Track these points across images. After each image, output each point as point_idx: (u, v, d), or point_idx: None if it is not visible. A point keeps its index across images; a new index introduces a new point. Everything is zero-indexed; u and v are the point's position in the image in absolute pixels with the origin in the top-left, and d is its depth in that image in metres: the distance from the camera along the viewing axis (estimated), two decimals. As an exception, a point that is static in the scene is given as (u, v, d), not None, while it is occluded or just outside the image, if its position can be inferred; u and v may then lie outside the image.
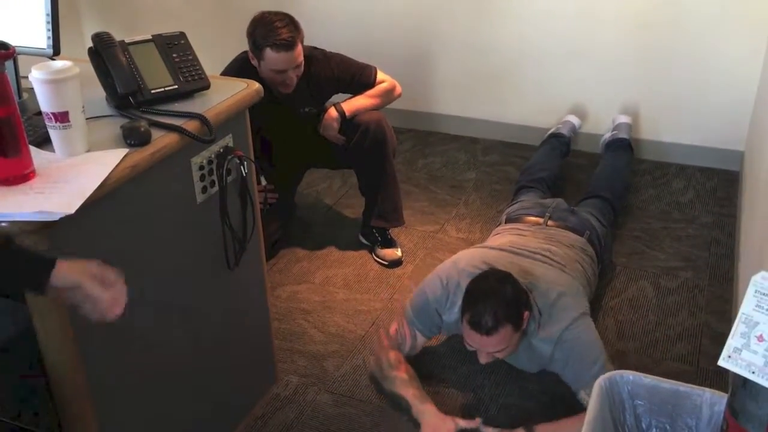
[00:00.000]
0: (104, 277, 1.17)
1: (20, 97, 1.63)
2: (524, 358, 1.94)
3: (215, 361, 1.79)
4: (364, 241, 2.77)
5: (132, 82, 1.55)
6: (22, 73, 1.60)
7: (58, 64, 1.34)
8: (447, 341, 2.23)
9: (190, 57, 1.66)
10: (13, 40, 1.42)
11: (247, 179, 1.69)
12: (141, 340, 1.52)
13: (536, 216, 2.39)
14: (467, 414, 1.95)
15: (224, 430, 1.90)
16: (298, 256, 2.72)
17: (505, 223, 2.44)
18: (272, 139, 2.65)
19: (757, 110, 2.92)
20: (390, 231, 2.73)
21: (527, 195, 2.68)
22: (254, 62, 2.45)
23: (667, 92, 3.20)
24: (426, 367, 2.13)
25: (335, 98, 2.63)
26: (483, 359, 1.86)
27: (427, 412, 1.90)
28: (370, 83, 2.61)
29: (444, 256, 2.68)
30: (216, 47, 2.58)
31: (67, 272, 1.13)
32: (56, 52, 1.60)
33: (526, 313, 1.84)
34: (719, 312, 2.36)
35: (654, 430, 1.42)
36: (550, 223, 2.35)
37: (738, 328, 1.08)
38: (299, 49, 2.39)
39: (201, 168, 1.58)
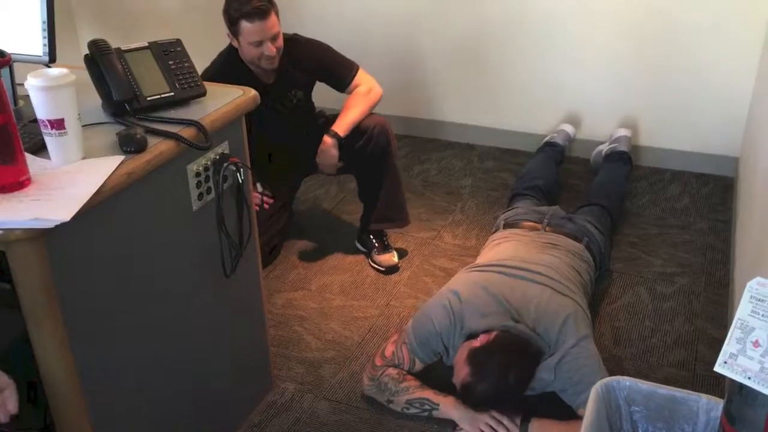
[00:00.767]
0: None
1: (16, 104, 1.63)
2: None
3: (211, 367, 1.79)
4: (360, 247, 2.77)
5: (128, 89, 1.55)
6: (17, 80, 1.60)
7: (54, 71, 1.34)
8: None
9: (186, 64, 1.66)
10: (8, 48, 1.43)
11: (244, 186, 1.69)
12: (136, 347, 1.51)
13: (534, 221, 2.40)
14: None
15: (220, 438, 1.90)
16: (295, 262, 2.72)
17: (503, 228, 2.44)
18: (270, 146, 2.65)
19: (752, 116, 2.93)
20: (387, 237, 2.74)
21: (522, 202, 2.68)
22: (234, 44, 2.46)
23: (662, 99, 3.21)
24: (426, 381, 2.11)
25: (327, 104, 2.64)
26: None
27: (454, 406, 1.91)
28: (348, 79, 2.60)
29: (440, 263, 2.69)
30: (212, 55, 2.58)
31: None
32: (52, 59, 1.61)
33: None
34: (715, 318, 2.36)
35: (650, 436, 1.42)
36: (548, 228, 2.35)
37: (734, 333, 1.08)
38: (274, 19, 2.39)
39: (197, 175, 1.58)
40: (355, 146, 2.57)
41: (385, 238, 2.72)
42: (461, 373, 1.86)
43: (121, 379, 1.49)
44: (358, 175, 2.73)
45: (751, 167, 2.61)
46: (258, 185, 2.65)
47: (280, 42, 2.45)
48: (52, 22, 1.59)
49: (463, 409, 1.92)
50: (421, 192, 3.19)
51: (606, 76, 3.26)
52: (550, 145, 3.17)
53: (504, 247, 2.29)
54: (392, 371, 2.02)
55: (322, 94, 2.76)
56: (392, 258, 2.67)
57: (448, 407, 1.93)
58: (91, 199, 1.27)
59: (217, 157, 1.62)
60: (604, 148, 3.18)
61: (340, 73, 2.61)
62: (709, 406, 1.35)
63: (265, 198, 2.66)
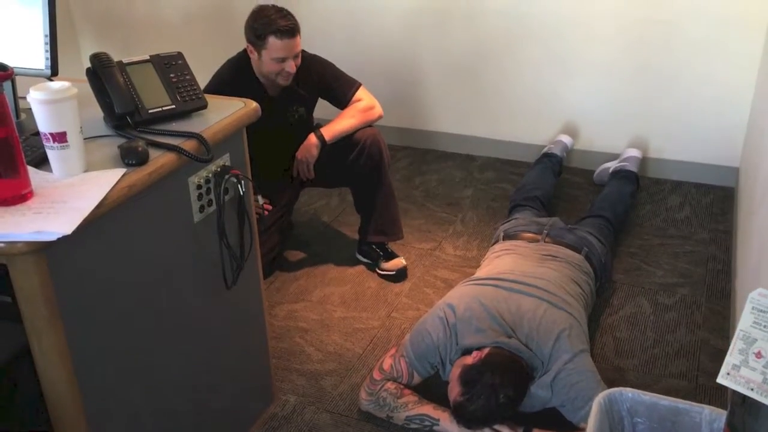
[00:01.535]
0: None
1: (18, 117, 1.63)
2: (526, 404, 1.92)
3: (212, 380, 1.79)
4: (363, 259, 2.77)
5: (130, 102, 1.56)
6: (20, 93, 1.61)
7: (56, 84, 1.35)
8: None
9: (188, 77, 1.67)
10: (11, 61, 1.43)
11: (245, 198, 1.70)
12: (137, 360, 1.51)
13: (534, 233, 2.40)
14: None
15: (221, 451, 1.89)
16: (296, 274, 2.72)
17: (503, 239, 2.44)
18: (267, 156, 2.66)
19: (751, 127, 2.93)
20: (389, 245, 2.74)
21: (522, 213, 2.68)
22: (253, 55, 2.50)
23: (662, 109, 3.22)
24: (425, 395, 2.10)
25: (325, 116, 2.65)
26: None
27: (454, 420, 1.90)
28: (348, 96, 2.63)
29: (441, 274, 2.68)
30: (213, 67, 2.60)
31: None
32: (54, 72, 1.61)
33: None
34: (717, 328, 2.35)
35: (654, 447, 1.42)
36: (547, 239, 2.35)
37: (736, 344, 1.08)
38: (299, 39, 2.47)
39: (198, 187, 1.58)
40: (348, 159, 2.59)
41: (388, 248, 2.73)
42: (454, 391, 1.86)
43: (122, 392, 1.49)
44: (352, 187, 2.75)
45: (751, 177, 2.61)
46: (259, 197, 2.65)
47: (299, 60, 2.51)
48: (54, 36, 1.60)
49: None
50: (421, 203, 3.19)
51: (605, 87, 3.27)
52: (548, 156, 3.17)
53: (503, 259, 2.29)
54: (390, 385, 2.01)
55: (326, 109, 2.77)
56: (401, 261, 2.68)
57: (447, 422, 1.92)
58: (93, 211, 1.27)
59: (219, 169, 1.63)
60: (612, 165, 3.18)
61: (340, 89, 2.64)
62: (712, 417, 1.35)
63: (265, 205, 2.67)
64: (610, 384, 1.86)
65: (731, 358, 1.08)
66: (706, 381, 2.13)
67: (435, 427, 1.94)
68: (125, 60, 1.62)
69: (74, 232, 1.22)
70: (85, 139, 1.42)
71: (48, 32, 1.59)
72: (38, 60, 1.60)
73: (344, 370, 2.23)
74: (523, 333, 1.94)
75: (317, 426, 2.03)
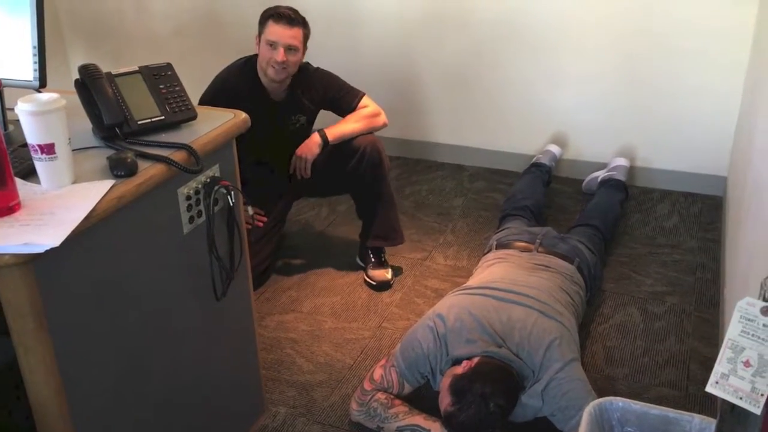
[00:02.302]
0: None
1: (6, 128, 1.62)
2: (518, 413, 1.92)
3: (202, 392, 1.78)
4: (360, 262, 2.78)
5: (118, 113, 1.55)
6: (8, 104, 1.60)
7: (44, 96, 1.34)
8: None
9: (177, 88, 1.66)
10: (-1, 73, 1.43)
11: (235, 209, 1.69)
12: (126, 372, 1.50)
13: (526, 242, 2.40)
14: None
15: (211, 463, 1.88)
16: (286, 284, 2.72)
17: (496, 248, 2.44)
18: (262, 166, 2.66)
19: (739, 136, 2.96)
20: (385, 254, 2.74)
21: (514, 222, 2.69)
22: (257, 48, 2.54)
23: (650, 119, 3.24)
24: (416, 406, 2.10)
25: (323, 122, 2.66)
26: None
27: (444, 430, 1.90)
28: (353, 105, 2.65)
29: (432, 284, 2.68)
30: (203, 78, 2.60)
31: None
32: (42, 84, 1.61)
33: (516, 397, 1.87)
34: (706, 337, 2.36)
35: (644, 457, 1.42)
36: (540, 249, 2.36)
37: (724, 353, 1.09)
38: (298, 33, 2.50)
39: (188, 198, 1.58)
40: (348, 165, 2.59)
41: (382, 255, 2.73)
42: (444, 401, 1.86)
43: (111, 405, 1.48)
44: (353, 193, 2.75)
45: (739, 186, 2.63)
46: (249, 208, 2.65)
47: (293, 60, 2.51)
48: (43, 47, 1.59)
49: None
50: (412, 213, 3.19)
51: (594, 97, 3.29)
52: (536, 166, 3.19)
53: (495, 268, 2.29)
54: (381, 396, 2.00)
55: (327, 117, 2.79)
56: (386, 274, 2.67)
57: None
58: (81, 223, 1.26)
59: (208, 180, 1.62)
60: (601, 174, 3.19)
61: (345, 99, 2.66)
62: (702, 426, 1.35)
63: (257, 217, 2.67)
64: (601, 393, 1.86)
65: (720, 367, 1.09)
66: (695, 390, 2.14)
67: None
68: (114, 71, 1.61)
69: (62, 245, 1.21)
70: (73, 150, 1.41)
71: (36, 43, 1.59)
72: (26, 71, 1.60)
73: (335, 381, 2.23)
74: (513, 342, 1.94)
75: (308, 437, 2.02)
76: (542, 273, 2.22)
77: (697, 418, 1.36)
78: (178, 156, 1.51)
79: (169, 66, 1.70)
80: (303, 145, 2.59)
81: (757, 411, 1.05)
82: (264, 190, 2.70)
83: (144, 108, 1.60)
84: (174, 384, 1.66)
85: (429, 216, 3.17)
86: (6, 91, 1.61)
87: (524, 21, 3.25)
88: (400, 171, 3.57)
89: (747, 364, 1.06)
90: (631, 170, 3.29)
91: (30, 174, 1.41)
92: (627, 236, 2.96)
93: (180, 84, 1.68)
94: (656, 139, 3.27)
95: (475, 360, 1.88)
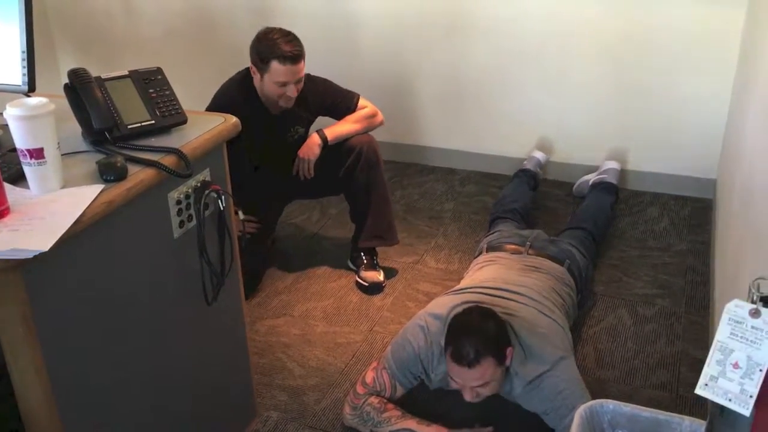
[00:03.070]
0: None
1: (-6, 133, 1.62)
2: (506, 388, 1.92)
3: (193, 397, 1.77)
4: (351, 265, 2.78)
5: (108, 117, 1.55)
6: (-4, 109, 1.59)
7: (33, 101, 1.34)
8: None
9: (167, 92, 1.66)
10: (-13, 78, 1.42)
11: (225, 213, 1.69)
12: (116, 377, 1.50)
13: (517, 245, 2.41)
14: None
15: (203, 469, 1.87)
16: (278, 289, 2.71)
17: (487, 251, 2.44)
18: (256, 173, 2.65)
19: (728, 139, 2.98)
20: (377, 256, 2.74)
21: (504, 225, 2.70)
22: (256, 76, 2.50)
23: (640, 123, 3.26)
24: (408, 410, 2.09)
25: (319, 123, 2.66)
26: (468, 396, 1.85)
27: None
28: (352, 108, 2.66)
29: (424, 287, 2.68)
30: (193, 82, 2.60)
31: None
32: (31, 88, 1.60)
33: (510, 349, 1.85)
34: (696, 339, 2.37)
35: (635, 459, 1.42)
36: (530, 251, 2.36)
37: (714, 355, 1.09)
38: (303, 64, 2.48)
39: (178, 203, 1.58)
40: (344, 165, 2.60)
41: (375, 257, 2.73)
42: (445, 344, 1.87)
43: (100, 410, 1.47)
44: (348, 193, 2.74)
45: (728, 188, 2.65)
46: (240, 213, 2.64)
47: (302, 85, 2.52)
48: (32, 52, 1.59)
49: None
50: (403, 216, 3.19)
51: (584, 101, 3.31)
52: (523, 171, 3.22)
53: (485, 270, 2.30)
54: (374, 400, 2.00)
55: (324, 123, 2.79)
56: (378, 276, 2.67)
57: None
58: (70, 228, 1.26)
59: (198, 184, 1.62)
60: (591, 177, 3.21)
61: (343, 103, 2.67)
62: (692, 428, 1.36)
63: (248, 224, 2.66)
64: (592, 395, 1.86)
65: (709, 369, 1.09)
66: (686, 392, 2.15)
67: None
68: (104, 76, 1.61)
69: (51, 249, 1.20)
70: (62, 155, 1.41)
71: (25, 48, 1.58)
72: (15, 76, 1.60)
73: (326, 385, 2.22)
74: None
75: (299, 442, 2.02)
76: (533, 274, 2.23)
77: (687, 420, 1.37)
78: (168, 160, 1.51)
79: (159, 70, 1.69)
80: (304, 146, 2.60)
81: (747, 413, 1.05)
82: (260, 195, 2.69)
83: (134, 112, 1.60)
84: (165, 389, 1.66)
85: (420, 219, 3.18)
86: (-6, 96, 1.60)
87: (515, 27, 3.27)
88: (391, 174, 3.57)
89: (736, 366, 1.07)
90: (622, 173, 3.30)
91: (19, 179, 1.41)
92: (618, 239, 2.97)
93: (170, 88, 1.67)
94: (646, 143, 3.28)
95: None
